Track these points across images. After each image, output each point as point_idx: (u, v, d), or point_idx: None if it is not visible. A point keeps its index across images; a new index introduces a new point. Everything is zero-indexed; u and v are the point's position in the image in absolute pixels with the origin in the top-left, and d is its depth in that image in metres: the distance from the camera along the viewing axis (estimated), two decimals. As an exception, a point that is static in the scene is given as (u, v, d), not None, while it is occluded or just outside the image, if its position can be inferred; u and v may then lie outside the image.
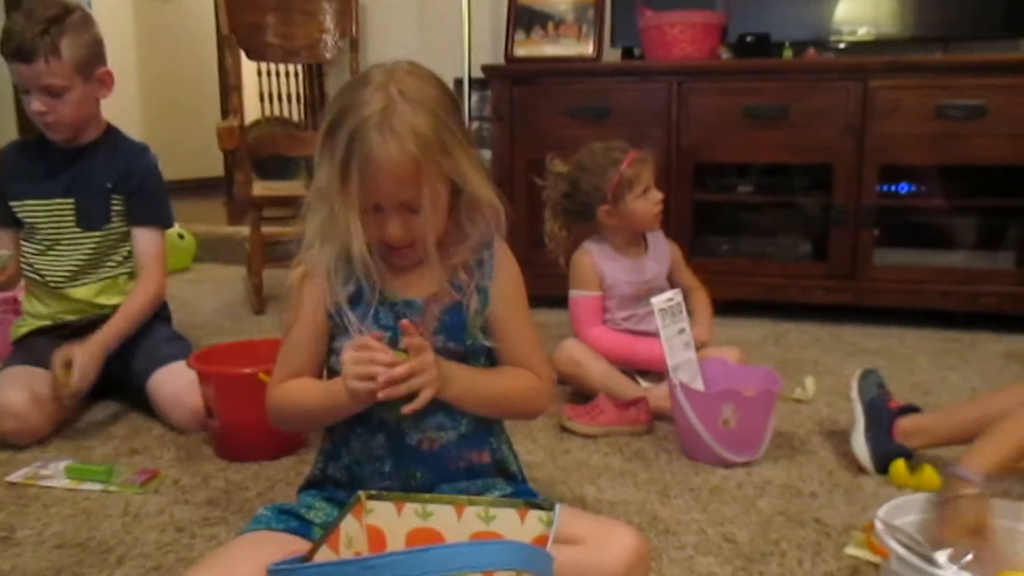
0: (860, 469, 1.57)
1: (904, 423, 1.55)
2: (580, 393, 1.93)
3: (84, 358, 1.72)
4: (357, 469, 1.12)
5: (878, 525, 0.96)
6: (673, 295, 1.74)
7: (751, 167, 2.81)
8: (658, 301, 1.70)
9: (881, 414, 1.58)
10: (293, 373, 1.14)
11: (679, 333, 1.71)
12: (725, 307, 2.74)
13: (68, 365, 1.70)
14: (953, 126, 2.50)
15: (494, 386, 1.11)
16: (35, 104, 1.75)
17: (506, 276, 1.14)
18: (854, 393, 1.65)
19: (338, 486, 1.14)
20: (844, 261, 2.64)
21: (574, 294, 1.96)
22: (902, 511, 1.03)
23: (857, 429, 1.59)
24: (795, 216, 2.80)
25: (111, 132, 1.94)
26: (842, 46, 2.83)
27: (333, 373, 1.13)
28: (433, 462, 1.10)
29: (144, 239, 1.91)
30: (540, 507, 0.96)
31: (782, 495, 1.48)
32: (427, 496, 1.02)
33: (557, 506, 0.94)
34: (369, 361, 0.99)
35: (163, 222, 1.96)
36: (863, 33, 2.82)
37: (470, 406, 1.10)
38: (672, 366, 1.65)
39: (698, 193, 2.72)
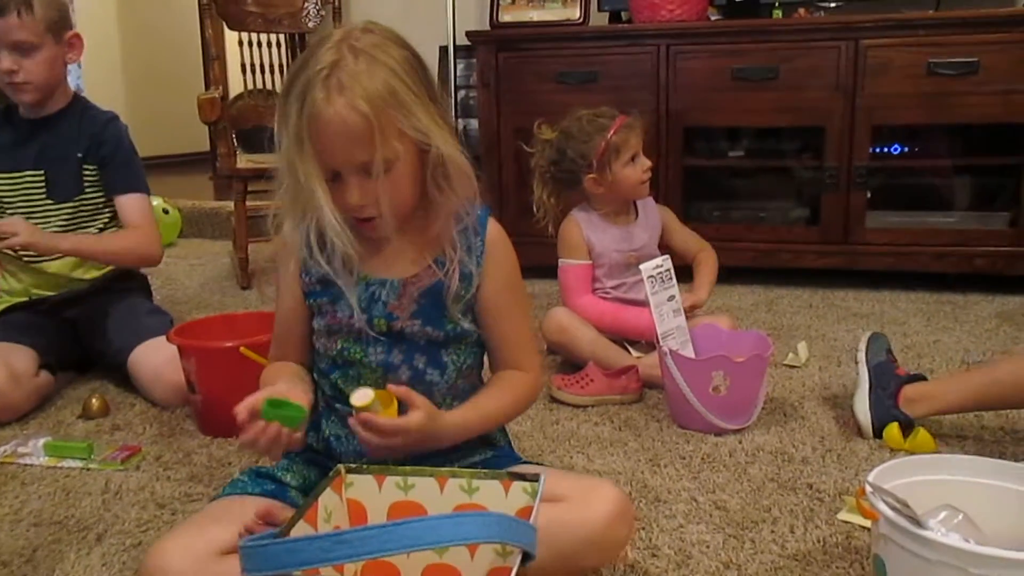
0: (857, 432, 1.55)
1: (909, 390, 1.52)
2: (570, 362, 1.91)
3: (32, 229, 1.72)
4: (336, 444, 1.09)
5: (868, 489, 0.94)
6: (662, 261, 1.70)
7: (741, 131, 2.77)
8: (647, 267, 1.67)
9: (888, 379, 1.54)
10: (281, 354, 1.13)
11: (668, 300, 1.68)
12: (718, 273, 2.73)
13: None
14: (945, 84, 2.46)
15: (487, 416, 1.08)
16: (4, 62, 1.71)
17: (498, 262, 1.08)
18: (861, 355, 1.62)
19: (317, 454, 1.12)
20: (836, 225, 2.60)
21: (563, 263, 1.93)
22: (893, 474, 1.01)
23: (861, 391, 1.55)
24: (786, 180, 2.77)
25: (78, 100, 1.90)
26: (832, 5, 2.77)
27: (317, 356, 1.11)
28: None
29: (129, 206, 1.88)
30: (524, 478, 0.94)
31: (774, 461, 1.45)
32: (408, 468, 0.99)
33: (542, 477, 0.92)
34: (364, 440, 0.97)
35: (143, 187, 1.92)
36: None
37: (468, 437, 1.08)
38: (661, 333, 1.62)
39: (688, 158, 2.68)
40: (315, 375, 1.12)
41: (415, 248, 1.05)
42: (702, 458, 1.47)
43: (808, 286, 2.66)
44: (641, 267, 1.67)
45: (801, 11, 2.69)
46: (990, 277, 2.57)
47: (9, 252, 1.83)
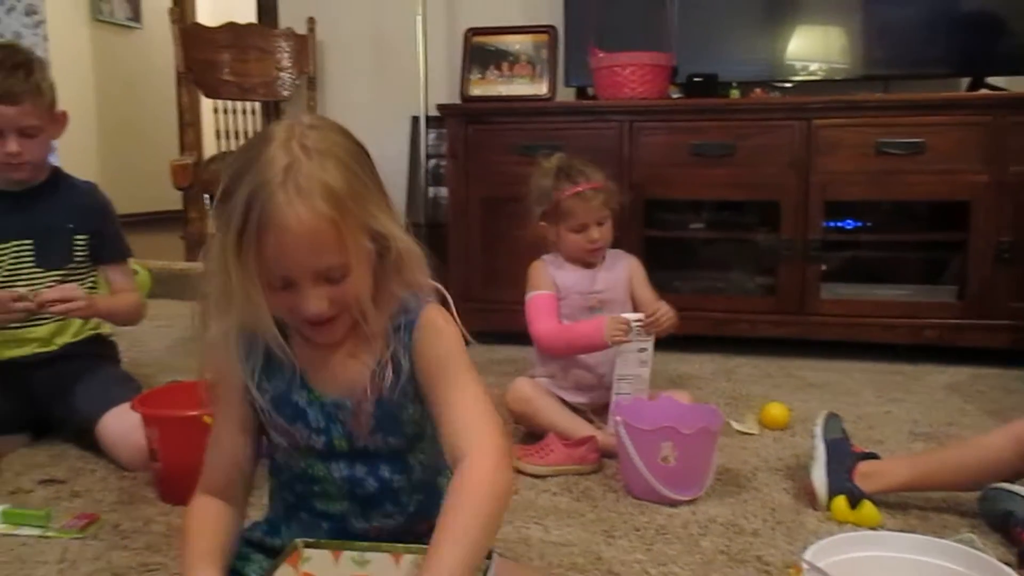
0: (809, 503, 1.59)
1: (864, 466, 1.57)
2: (532, 433, 1.94)
3: (86, 294, 1.82)
4: None
5: (804, 566, 0.98)
6: (642, 316, 1.79)
7: (700, 204, 2.86)
8: (630, 315, 1.77)
9: (844, 454, 1.60)
10: (213, 480, 1.03)
11: (638, 351, 1.74)
12: (677, 342, 2.78)
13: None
14: (893, 162, 2.58)
15: (478, 543, 0.88)
16: (11, 145, 1.77)
17: (431, 337, 1.00)
18: (818, 430, 1.67)
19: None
20: (792, 295, 2.69)
21: (529, 295, 1.95)
22: (830, 551, 1.06)
23: (818, 463, 1.60)
24: (744, 251, 2.86)
25: (57, 172, 1.96)
26: (787, 85, 2.91)
27: (277, 468, 1.06)
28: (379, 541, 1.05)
29: (117, 274, 2.01)
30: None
31: (725, 533, 1.49)
32: (365, 544, 1.01)
33: (493, 554, 0.94)
34: None
35: (128, 254, 2.05)
36: (807, 73, 2.91)
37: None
38: (619, 375, 1.67)
39: (649, 230, 2.76)
40: (273, 481, 1.10)
41: (356, 352, 1.00)
42: (656, 530, 1.51)
43: (766, 355, 2.73)
44: (625, 315, 1.74)
45: (757, 91, 2.81)
46: (939, 348, 2.66)
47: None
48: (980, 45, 2.81)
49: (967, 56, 2.82)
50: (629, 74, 2.73)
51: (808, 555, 1.01)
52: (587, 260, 1.97)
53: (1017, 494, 1.42)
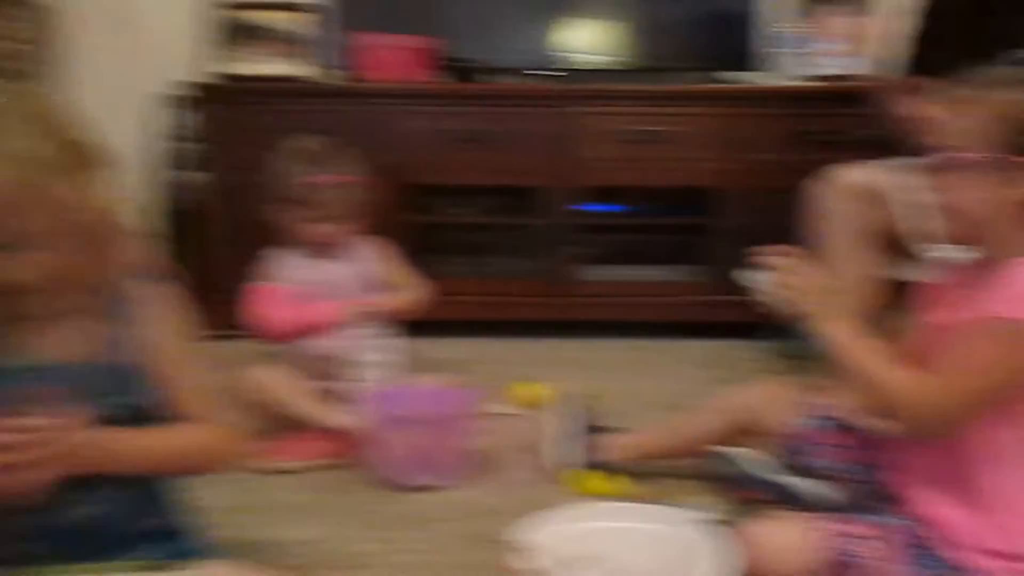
0: (552, 479, 1.63)
1: (601, 439, 1.63)
2: (274, 428, 1.84)
3: None
4: None
5: (514, 543, 0.99)
6: (380, 302, 1.80)
7: (465, 189, 2.86)
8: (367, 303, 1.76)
9: (583, 428, 1.65)
10: None
11: (380, 336, 1.71)
12: (445, 326, 2.79)
13: None
14: (639, 150, 2.70)
15: (155, 447, 0.98)
16: None
17: (156, 316, 1.02)
18: (559, 409, 1.71)
19: None
20: (555, 278, 2.76)
21: (259, 284, 1.87)
22: (549, 525, 1.07)
23: (556, 440, 1.65)
24: (509, 236, 2.90)
25: None
26: (547, 74, 2.97)
27: None
28: (97, 538, 0.98)
29: None
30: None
31: (470, 516, 1.49)
32: (58, 568, 0.93)
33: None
34: None
35: None
36: (569, 63, 2.98)
37: (133, 469, 0.98)
38: (363, 362, 1.65)
39: (415, 215, 2.73)
40: None
41: (73, 327, 0.97)
42: (402, 518, 1.48)
43: (532, 337, 2.79)
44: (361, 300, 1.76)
45: (521, 78, 2.86)
46: (693, 324, 2.83)
47: None
48: (718, 41, 3.00)
49: (707, 51, 3.00)
50: (395, 57, 2.68)
51: (519, 533, 1.01)
52: (323, 250, 1.90)
53: (735, 456, 1.52)
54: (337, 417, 1.80)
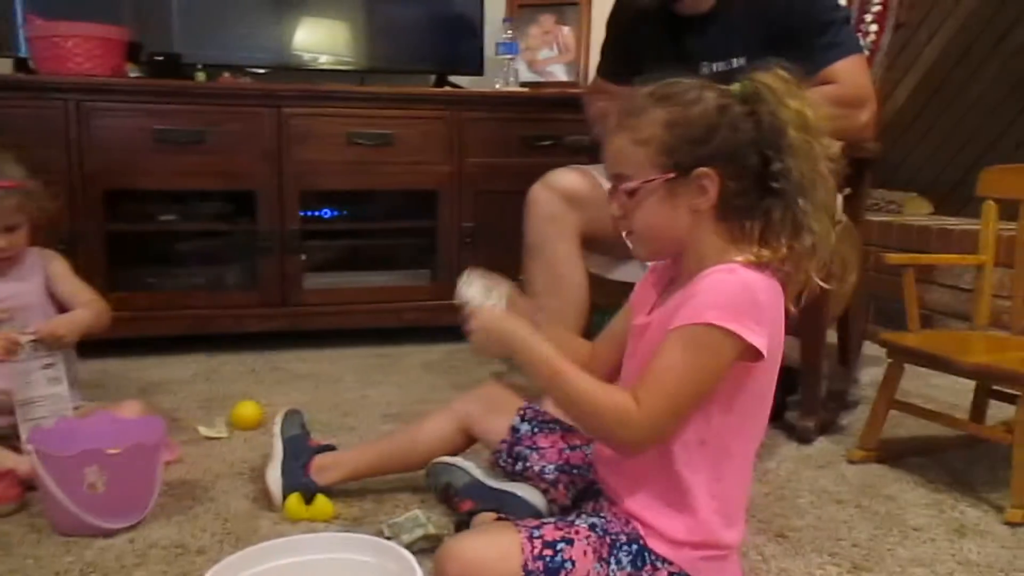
0: (268, 506, 1.51)
1: (321, 459, 1.54)
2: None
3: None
4: None
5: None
6: (35, 331, 1.56)
7: (171, 194, 2.62)
8: (21, 333, 1.54)
9: (300, 450, 1.55)
10: None
11: (44, 368, 1.49)
12: (152, 344, 2.55)
13: None
14: (366, 153, 2.64)
15: None
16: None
17: None
18: (277, 429, 1.60)
19: None
20: (274, 288, 2.62)
21: None
22: (241, 566, 0.97)
23: (274, 463, 1.53)
24: (222, 244, 2.71)
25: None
26: (259, 71, 2.81)
27: None
28: None
29: None
30: None
31: (166, 558, 1.34)
32: None
33: None
34: None
35: None
36: (279, 61, 2.85)
37: None
38: (27, 398, 1.43)
39: (111, 223, 2.47)
40: None
41: None
42: (84, 568, 1.30)
43: (252, 350, 2.63)
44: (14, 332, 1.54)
45: (226, 75, 2.67)
46: (418, 329, 2.81)
47: None
48: (446, 46, 3.01)
49: (435, 55, 3.01)
50: (73, 46, 2.39)
51: (208, 574, 0.91)
52: None
53: (455, 466, 1.50)
54: (13, 460, 1.56)
